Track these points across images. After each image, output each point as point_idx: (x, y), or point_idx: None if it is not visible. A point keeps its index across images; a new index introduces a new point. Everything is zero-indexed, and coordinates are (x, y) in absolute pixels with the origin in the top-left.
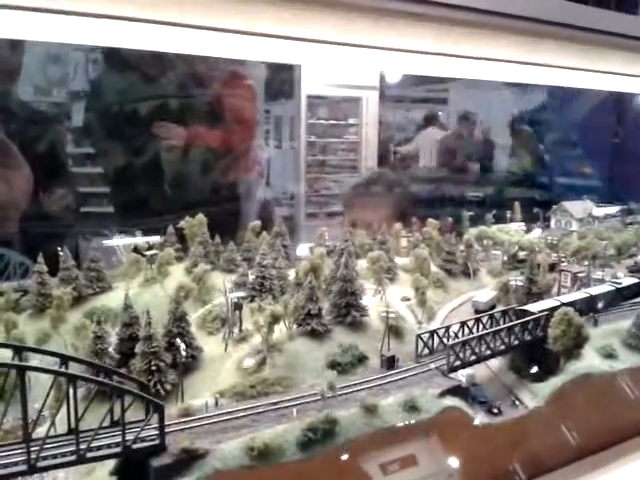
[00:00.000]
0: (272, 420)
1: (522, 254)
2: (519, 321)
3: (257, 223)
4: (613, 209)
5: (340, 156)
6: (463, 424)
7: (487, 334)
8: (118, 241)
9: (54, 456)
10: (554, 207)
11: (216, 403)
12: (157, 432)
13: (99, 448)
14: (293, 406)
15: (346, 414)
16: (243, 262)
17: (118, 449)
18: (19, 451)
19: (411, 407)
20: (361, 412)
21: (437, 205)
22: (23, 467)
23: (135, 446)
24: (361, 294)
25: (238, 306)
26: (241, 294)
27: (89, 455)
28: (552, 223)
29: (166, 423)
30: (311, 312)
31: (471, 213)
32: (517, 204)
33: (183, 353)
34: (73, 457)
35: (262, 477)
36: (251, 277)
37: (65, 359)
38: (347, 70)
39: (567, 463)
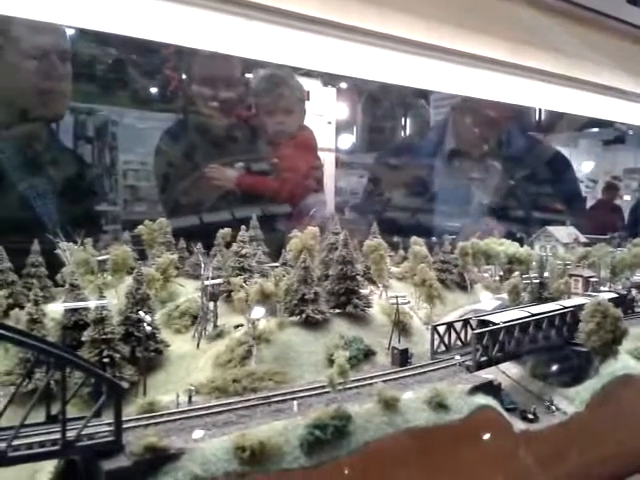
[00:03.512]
0: (266, 416)
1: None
2: (561, 311)
3: (227, 231)
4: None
5: None
6: (502, 428)
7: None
8: (62, 244)
9: None
10: (537, 232)
11: (189, 399)
12: (112, 427)
13: (29, 446)
14: (292, 399)
15: (360, 410)
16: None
17: (55, 447)
18: None
19: (438, 404)
20: (379, 408)
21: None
22: None
23: (80, 444)
24: (361, 283)
25: (214, 296)
26: (218, 281)
27: (12, 454)
28: (536, 248)
29: (125, 418)
30: (305, 297)
31: (453, 237)
32: (496, 231)
33: (148, 328)
34: None
35: None
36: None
37: None
38: None
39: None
